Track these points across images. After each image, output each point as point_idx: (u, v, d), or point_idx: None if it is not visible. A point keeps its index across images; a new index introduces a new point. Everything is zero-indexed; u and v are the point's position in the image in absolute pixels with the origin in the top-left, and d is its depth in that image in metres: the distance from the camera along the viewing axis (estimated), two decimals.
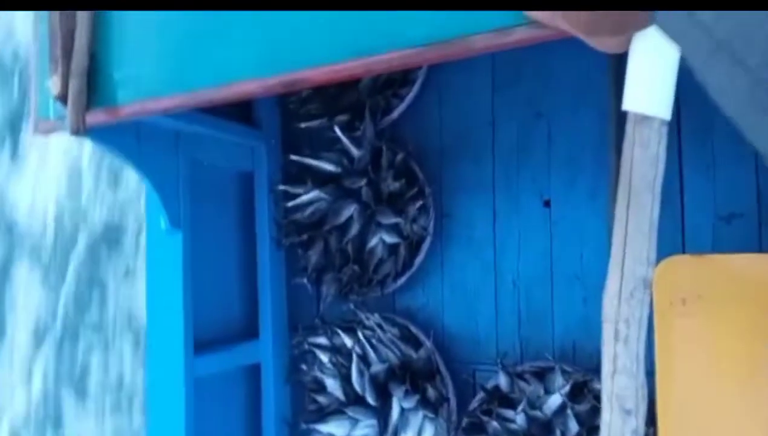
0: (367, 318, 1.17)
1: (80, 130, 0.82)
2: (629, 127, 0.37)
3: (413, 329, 1.16)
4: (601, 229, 0.95)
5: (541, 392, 1.02)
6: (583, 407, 0.97)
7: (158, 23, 0.77)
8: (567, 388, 0.99)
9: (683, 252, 0.97)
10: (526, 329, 1.12)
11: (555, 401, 0.99)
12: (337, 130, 1.21)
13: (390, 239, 1.18)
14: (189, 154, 1.11)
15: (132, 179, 1.75)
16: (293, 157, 1.27)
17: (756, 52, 0.20)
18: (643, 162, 0.37)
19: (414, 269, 1.17)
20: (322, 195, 1.24)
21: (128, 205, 1.77)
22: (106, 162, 1.80)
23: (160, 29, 0.77)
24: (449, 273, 1.19)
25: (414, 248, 1.17)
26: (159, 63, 0.77)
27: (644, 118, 0.36)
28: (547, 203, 1.12)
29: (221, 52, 0.72)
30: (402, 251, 1.17)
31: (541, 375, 1.03)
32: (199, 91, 0.73)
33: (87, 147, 1.81)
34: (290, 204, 1.26)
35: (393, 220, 1.17)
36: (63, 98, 0.83)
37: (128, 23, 0.79)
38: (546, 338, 1.09)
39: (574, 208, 1.09)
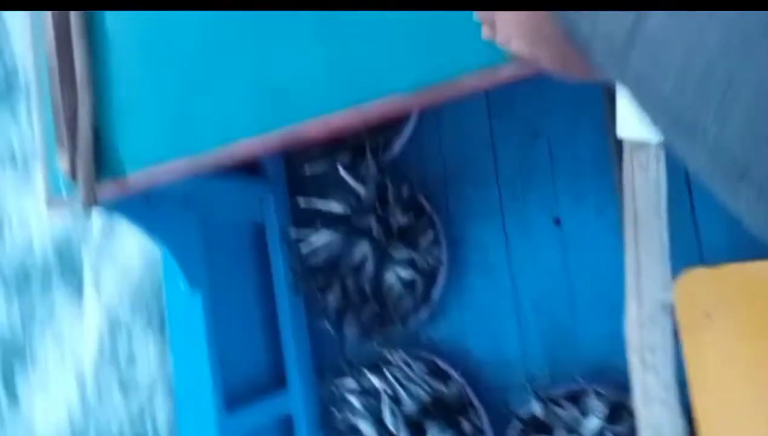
0: (393, 356, 1.16)
1: (91, 204, 0.84)
2: (626, 154, 0.37)
3: (440, 362, 1.14)
4: (614, 242, 0.95)
5: (578, 415, 0.99)
6: (622, 429, 0.95)
7: (155, 89, 0.79)
8: (604, 410, 0.97)
9: (701, 256, 0.96)
10: (553, 350, 1.10)
11: (593, 424, 0.97)
12: (341, 170, 1.22)
13: (405, 273, 1.18)
14: (200, 213, 1.12)
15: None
16: (301, 202, 1.28)
17: (714, 121, 0.20)
18: (646, 187, 0.37)
19: (433, 301, 1.16)
20: (334, 237, 1.25)
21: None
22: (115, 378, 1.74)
23: (156, 96, 0.79)
24: (468, 302, 1.18)
25: (430, 280, 1.17)
26: (160, 130, 0.79)
27: (640, 144, 0.37)
28: (557, 221, 1.12)
29: (219, 114, 0.74)
30: (419, 284, 1.17)
31: (576, 398, 1.01)
32: (202, 154, 0.75)
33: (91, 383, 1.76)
34: (303, 249, 1.26)
35: (406, 254, 1.17)
36: (72, 175, 0.85)
37: (126, 93, 0.82)
38: (574, 357, 1.07)
39: (585, 223, 1.09)
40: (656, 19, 0.21)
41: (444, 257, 1.16)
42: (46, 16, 0.84)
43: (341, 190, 1.25)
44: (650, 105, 0.23)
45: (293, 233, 1.28)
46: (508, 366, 1.14)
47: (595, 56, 0.26)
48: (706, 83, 0.20)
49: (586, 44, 0.26)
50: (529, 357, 1.12)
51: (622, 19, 0.23)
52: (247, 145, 0.72)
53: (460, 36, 0.56)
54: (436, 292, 1.16)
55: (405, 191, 1.20)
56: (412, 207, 1.20)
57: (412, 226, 1.18)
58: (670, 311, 0.40)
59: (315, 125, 0.68)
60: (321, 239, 1.25)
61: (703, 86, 0.20)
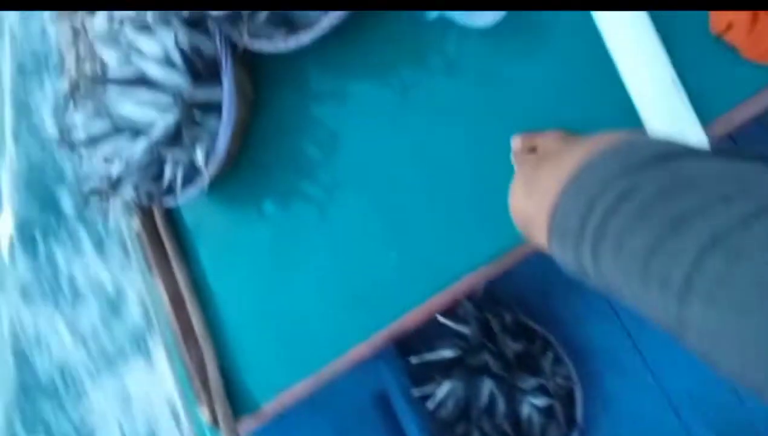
0: None
1: None
2: None
3: None
4: None
5: None
6: None
7: (265, 325, 0.87)
8: None
9: None
10: None
11: None
12: (440, 319, 1.25)
13: (540, 401, 1.14)
14: (326, 406, 1.16)
15: None
16: (413, 359, 1.30)
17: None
18: None
19: (580, 423, 1.10)
20: (455, 383, 1.24)
21: None
22: None
23: (268, 331, 0.87)
24: (618, 411, 1.11)
25: (568, 401, 1.12)
26: (279, 359, 0.85)
27: None
28: None
29: (326, 331, 0.80)
30: (558, 409, 1.12)
31: None
32: (321, 370, 0.80)
33: None
34: (430, 405, 1.26)
35: (533, 381, 1.14)
36: (214, 421, 0.92)
37: (242, 335, 0.90)
38: None
39: None
40: (696, 307, 0.24)
41: (573, 375, 1.12)
42: (161, 290, 0.97)
43: (447, 336, 1.27)
44: (721, 371, 0.25)
45: (415, 392, 1.29)
46: None
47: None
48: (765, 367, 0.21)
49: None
50: None
51: (666, 306, 0.26)
52: (357, 351, 0.77)
53: None
54: (579, 412, 1.11)
55: (508, 318, 1.20)
56: (521, 332, 1.19)
57: (528, 351, 1.16)
58: None
59: (412, 316, 0.72)
60: (443, 389, 1.25)
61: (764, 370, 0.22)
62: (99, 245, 2.07)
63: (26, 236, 2.31)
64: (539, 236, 0.38)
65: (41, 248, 2.24)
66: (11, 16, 2.45)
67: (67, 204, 2.17)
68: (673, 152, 0.28)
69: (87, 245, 2.11)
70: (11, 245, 2.37)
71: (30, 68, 2.33)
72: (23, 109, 2.37)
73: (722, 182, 0.24)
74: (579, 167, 0.32)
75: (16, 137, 2.39)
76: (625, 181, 0.28)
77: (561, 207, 0.33)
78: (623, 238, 0.27)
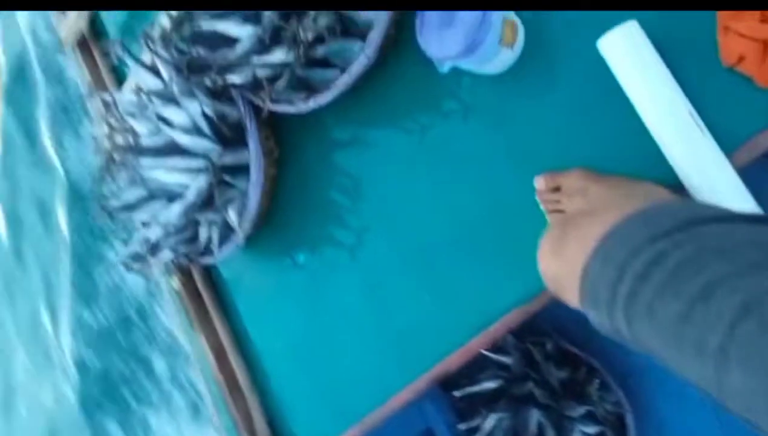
0: None
1: None
2: None
3: None
4: None
5: None
6: None
7: (308, 376, 0.88)
8: None
9: None
10: None
11: None
12: (482, 351, 1.24)
13: (590, 429, 1.11)
14: None
15: None
16: (457, 394, 1.28)
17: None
18: None
19: None
20: (501, 415, 1.22)
21: None
22: None
23: (311, 380, 0.87)
24: (671, 433, 1.07)
25: (620, 427, 1.09)
26: (325, 409, 0.86)
27: None
28: None
29: (368, 379, 0.81)
30: None
31: None
32: (367, 417, 0.81)
33: None
34: None
35: (581, 409, 1.12)
36: None
37: (286, 385, 0.91)
38: None
39: None
40: (734, 375, 0.24)
41: (623, 399, 1.09)
42: (203, 342, 1.00)
43: (489, 367, 1.25)
44: (764, 432, 0.25)
45: (462, 426, 1.27)
46: None
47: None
48: None
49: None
50: None
51: (703, 372, 0.26)
52: (400, 397, 0.78)
53: None
54: None
55: (549, 346, 1.18)
56: (565, 359, 1.17)
57: (573, 378, 1.14)
58: None
59: (453, 359, 0.73)
60: (490, 421, 1.23)
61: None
62: (194, 410, 2.09)
63: (114, 396, 2.33)
64: (571, 298, 0.39)
65: (134, 409, 2.25)
66: (70, 151, 2.47)
67: (159, 366, 2.19)
68: (699, 218, 0.29)
69: (181, 408, 2.12)
70: (83, 402, 2.40)
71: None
72: (100, 262, 2.38)
73: (750, 249, 0.25)
74: (607, 233, 0.33)
75: (86, 294, 2.39)
76: (654, 248, 0.29)
77: (591, 273, 0.34)
78: (655, 304, 0.28)
